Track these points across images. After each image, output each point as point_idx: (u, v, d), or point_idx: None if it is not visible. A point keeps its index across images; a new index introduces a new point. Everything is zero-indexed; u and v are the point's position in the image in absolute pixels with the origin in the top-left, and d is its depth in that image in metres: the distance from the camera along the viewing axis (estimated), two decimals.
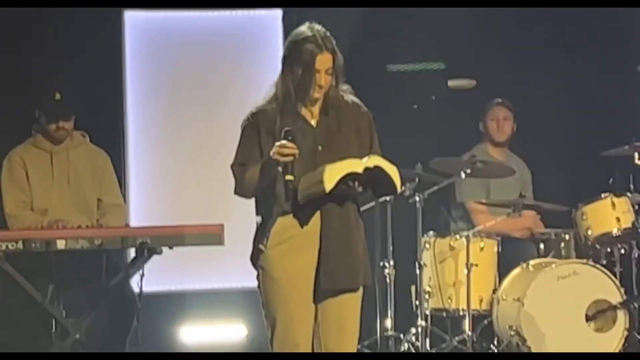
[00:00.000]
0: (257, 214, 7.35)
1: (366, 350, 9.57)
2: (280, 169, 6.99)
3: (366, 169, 6.99)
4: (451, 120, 11.78)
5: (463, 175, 11.16)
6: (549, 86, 12.43)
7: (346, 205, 7.23)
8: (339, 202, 7.19)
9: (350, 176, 6.98)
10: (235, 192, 7.37)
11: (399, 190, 7.40)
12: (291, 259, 7.16)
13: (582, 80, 12.60)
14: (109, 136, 10.92)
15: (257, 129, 7.25)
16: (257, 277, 7.31)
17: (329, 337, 7.26)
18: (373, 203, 7.91)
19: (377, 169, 7.03)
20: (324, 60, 7.15)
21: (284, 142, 6.97)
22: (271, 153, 7.00)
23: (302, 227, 7.17)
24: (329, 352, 7.30)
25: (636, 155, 11.25)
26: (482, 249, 11.03)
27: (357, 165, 6.99)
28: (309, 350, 7.26)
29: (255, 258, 7.29)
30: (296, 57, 7.19)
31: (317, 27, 7.26)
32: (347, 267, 7.19)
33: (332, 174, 6.95)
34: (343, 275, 7.18)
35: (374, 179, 7.07)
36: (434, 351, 10.96)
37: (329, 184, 6.92)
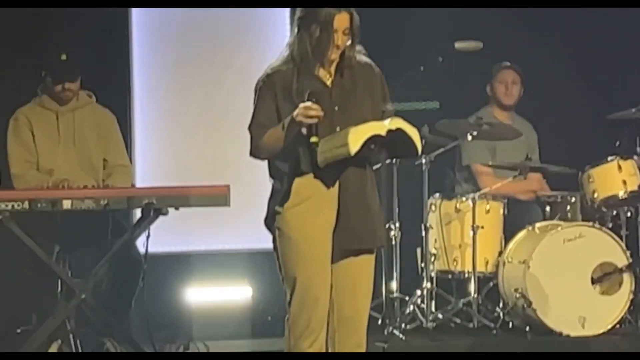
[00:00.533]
0: (271, 176, 7.37)
1: (373, 313, 9.22)
2: (304, 130, 6.98)
3: (389, 131, 7.00)
4: (458, 83, 11.81)
5: (469, 137, 11.13)
6: (557, 48, 12.43)
7: (363, 168, 7.25)
8: (356, 164, 7.20)
9: (374, 139, 6.98)
10: (251, 154, 7.35)
11: (419, 152, 7.41)
12: (309, 219, 7.18)
13: (590, 42, 12.59)
14: (116, 96, 10.93)
15: (273, 90, 7.24)
16: (273, 239, 7.31)
17: (343, 297, 7.29)
18: (380, 165, 7.94)
19: (400, 131, 7.03)
20: (342, 20, 7.14)
21: (308, 103, 6.97)
22: (295, 114, 7.00)
23: (320, 188, 7.18)
24: (342, 312, 7.32)
25: None
26: (488, 211, 11.02)
27: (380, 127, 6.99)
28: (325, 308, 7.26)
29: (271, 220, 7.30)
30: (314, 17, 7.16)
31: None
32: (364, 228, 7.22)
33: (356, 137, 6.95)
34: (361, 235, 7.21)
35: (396, 141, 7.07)
36: (439, 313, 10.96)
37: (354, 147, 6.92)
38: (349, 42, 7.16)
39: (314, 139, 6.92)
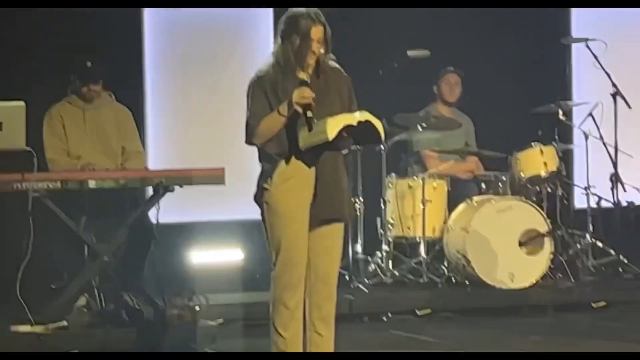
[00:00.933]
0: (260, 159, 7.35)
1: (342, 270, 9.25)
2: (299, 109, 7.01)
3: (359, 122, 7.08)
4: (409, 84, 11.62)
5: (419, 128, 11.28)
6: (490, 54, 12.30)
7: (335, 152, 7.29)
8: (329, 149, 7.20)
9: (347, 128, 7.07)
10: (246, 141, 7.34)
11: (383, 140, 7.52)
12: (292, 195, 7.22)
13: (517, 48, 12.47)
14: (131, 96, 10.73)
15: (263, 90, 7.23)
16: (262, 212, 7.35)
17: (319, 258, 7.32)
18: (347, 150, 8.00)
19: (368, 122, 7.10)
20: (317, 31, 7.14)
21: (303, 87, 7.07)
22: (293, 98, 7.05)
23: (301, 169, 7.20)
24: (317, 270, 7.35)
25: (560, 111, 11.36)
26: (434, 188, 11.15)
27: (352, 118, 7.06)
28: (303, 268, 7.28)
29: (260, 195, 7.34)
30: (294, 28, 7.16)
31: (310, 8, 7.32)
32: (337, 202, 7.29)
33: (333, 125, 7.02)
34: (334, 208, 7.28)
35: (364, 130, 7.12)
36: (395, 271, 11.03)
37: (331, 134, 6.99)
38: (322, 50, 7.17)
39: (309, 114, 6.95)
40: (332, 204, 7.29)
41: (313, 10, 7.24)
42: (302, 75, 7.23)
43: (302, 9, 7.26)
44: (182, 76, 12.16)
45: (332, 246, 7.39)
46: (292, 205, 7.27)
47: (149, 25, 12.08)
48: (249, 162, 7.62)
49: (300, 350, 7.35)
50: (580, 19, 12.74)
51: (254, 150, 7.34)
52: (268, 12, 11.55)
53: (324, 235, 7.33)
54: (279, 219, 7.29)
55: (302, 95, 7.03)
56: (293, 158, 7.23)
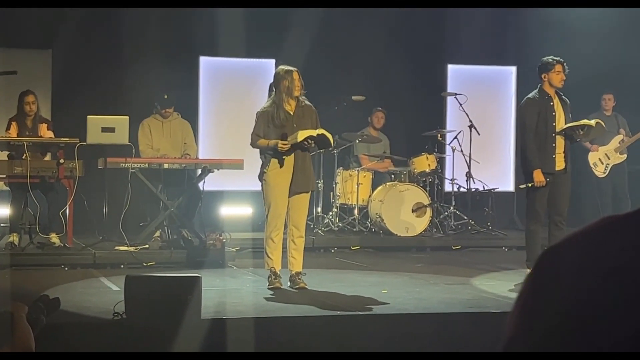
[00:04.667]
0: (261, 155, 7.48)
1: (308, 222, 9.22)
2: (279, 148, 7.17)
3: (318, 134, 7.25)
4: (353, 116, 11.42)
5: (357, 141, 11.27)
6: (400, 99, 11.96)
7: (305, 153, 7.38)
8: (302, 150, 7.31)
9: (310, 137, 7.21)
10: (251, 146, 7.46)
11: (332, 145, 7.78)
12: (278, 176, 7.32)
13: (417, 97, 12.07)
14: (191, 114, 10.66)
15: (264, 118, 7.32)
16: (262, 186, 7.42)
17: (294, 214, 7.36)
18: (315, 151, 8.02)
19: (323, 135, 7.28)
20: (296, 75, 7.22)
21: (282, 141, 7.16)
22: (278, 146, 7.15)
23: (284, 161, 7.30)
24: (294, 221, 7.37)
25: (439, 135, 11.35)
26: (364, 176, 11.04)
27: (314, 132, 7.20)
28: (284, 219, 7.32)
29: (261, 176, 7.42)
30: (284, 77, 7.26)
31: (290, 66, 7.36)
32: (306, 180, 7.36)
33: (301, 134, 7.14)
34: (304, 184, 7.34)
35: (321, 139, 7.31)
36: (340, 223, 10.88)
37: (300, 138, 7.12)
38: (300, 91, 7.27)
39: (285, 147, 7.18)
40: (302, 182, 7.34)
41: (292, 67, 7.27)
42: (289, 108, 7.31)
43: (287, 66, 7.28)
44: (220, 103, 11.93)
45: (302, 206, 7.44)
46: (278, 182, 7.33)
47: (203, 69, 11.87)
48: (256, 156, 7.61)
49: (280, 267, 7.41)
50: (452, 79, 12.60)
51: (257, 150, 7.49)
52: (272, 64, 11.28)
53: (297, 200, 7.38)
54: (270, 190, 7.35)
55: (282, 146, 7.13)
56: (279, 154, 7.29)
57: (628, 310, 0.83)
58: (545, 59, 7.76)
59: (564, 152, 7.71)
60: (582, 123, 7.75)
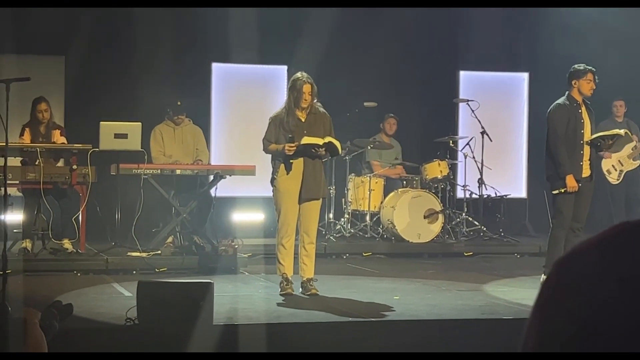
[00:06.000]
0: (272, 160, 7.49)
1: (320, 228, 9.10)
2: (287, 152, 7.19)
3: (325, 143, 7.26)
4: (365, 122, 11.43)
5: (369, 147, 11.26)
6: (414, 106, 11.93)
7: (316, 160, 7.38)
8: (311, 157, 7.31)
9: (316, 144, 7.22)
10: (264, 151, 7.50)
11: (340, 153, 7.74)
12: (289, 182, 7.34)
13: (429, 104, 12.09)
14: (203, 120, 10.64)
15: (276, 123, 7.39)
16: (273, 191, 7.45)
17: (306, 220, 7.38)
18: (327, 158, 8.01)
19: (330, 142, 7.28)
20: (307, 88, 7.23)
21: (289, 144, 7.17)
22: (286, 149, 7.17)
23: (294, 166, 7.33)
24: (305, 228, 7.38)
25: (450, 141, 11.34)
26: (376, 182, 11.00)
27: (320, 140, 7.25)
28: (295, 225, 7.35)
29: (272, 181, 7.44)
30: (294, 86, 7.31)
31: (304, 73, 7.36)
32: (316, 187, 7.36)
33: (305, 139, 7.18)
34: (313, 191, 7.35)
35: (329, 147, 7.28)
36: (352, 230, 10.82)
37: (303, 142, 7.15)
38: (312, 99, 7.30)
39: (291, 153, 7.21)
40: (313, 189, 7.35)
41: (305, 75, 7.30)
42: (300, 115, 7.35)
43: (299, 74, 7.32)
44: (232, 109, 11.92)
45: (313, 213, 7.44)
46: (289, 188, 7.34)
47: (215, 75, 11.87)
48: (268, 161, 7.64)
49: (292, 273, 7.42)
50: (464, 85, 12.58)
51: (269, 155, 7.49)
52: (284, 71, 11.40)
53: (308, 207, 7.40)
54: (280, 196, 7.38)
55: (289, 149, 7.14)
56: (289, 161, 7.31)
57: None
58: (577, 65, 7.71)
59: (589, 159, 7.72)
60: (612, 133, 7.81)
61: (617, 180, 11.16)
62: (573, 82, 7.66)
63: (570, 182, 7.56)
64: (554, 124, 7.68)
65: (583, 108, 7.73)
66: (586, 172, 7.71)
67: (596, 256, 0.89)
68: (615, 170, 11.16)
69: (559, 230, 7.69)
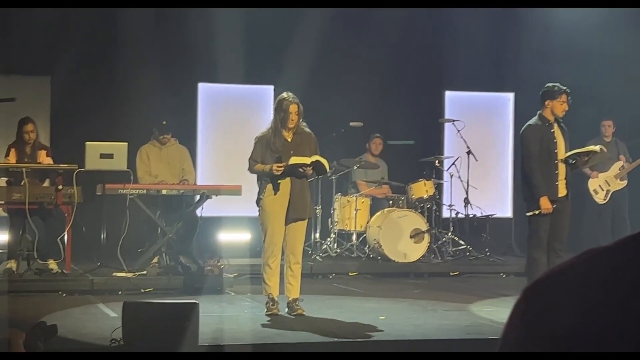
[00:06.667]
0: (258, 180, 7.47)
1: (306, 248, 9.03)
2: (275, 173, 7.19)
3: (312, 162, 7.25)
4: (350, 142, 11.46)
5: (355, 167, 11.25)
6: (397, 127, 12.00)
7: (303, 180, 7.37)
8: (298, 176, 7.30)
9: (303, 164, 7.22)
10: (249, 170, 7.47)
11: (327, 172, 7.71)
12: (275, 202, 7.33)
13: (414, 125, 12.16)
14: (189, 140, 10.65)
15: (262, 143, 7.39)
16: (259, 212, 7.46)
17: (292, 242, 7.38)
18: (314, 177, 7.97)
19: (318, 161, 7.28)
20: (293, 108, 7.23)
21: (277, 164, 7.17)
22: (273, 169, 7.16)
23: (281, 186, 7.33)
24: (291, 248, 7.37)
25: (436, 161, 11.33)
26: (362, 202, 11.00)
27: (307, 159, 7.25)
28: (281, 245, 7.34)
29: (258, 201, 7.43)
30: (280, 107, 7.32)
31: (290, 93, 7.36)
32: (303, 207, 7.35)
33: (293, 159, 7.17)
34: (301, 211, 7.33)
35: (316, 166, 7.31)
36: (338, 249, 10.82)
37: (291, 162, 7.15)
38: (298, 120, 7.29)
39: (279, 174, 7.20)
40: (299, 209, 7.34)
41: (291, 95, 7.30)
42: (286, 135, 7.35)
43: (285, 95, 7.31)
44: (218, 129, 11.89)
45: (299, 233, 7.43)
46: (275, 208, 7.33)
47: (201, 95, 11.80)
48: (254, 182, 7.61)
49: (277, 293, 7.40)
50: (450, 105, 12.57)
51: (254, 176, 7.50)
52: (271, 90, 11.37)
53: (294, 227, 7.39)
54: (267, 216, 7.36)
55: (276, 169, 7.11)
56: (276, 181, 7.30)
57: (607, 346, 0.84)
58: (551, 86, 7.67)
59: (565, 178, 7.67)
60: (586, 150, 7.76)
61: (604, 200, 11.20)
62: (546, 103, 7.61)
63: (545, 204, 7.51)
64: (527, 145, 7.66)
65: (556, 127, 7.69)
66: (562, 191, 7.65)
67: (564, 285, 0.90)
68: (602, 190, 11.19)
69: (536, 251, 7.63)
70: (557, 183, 7.60)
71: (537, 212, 7.57)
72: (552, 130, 7.66)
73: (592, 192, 11.19)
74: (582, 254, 0.91)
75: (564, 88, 7.63)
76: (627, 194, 11.28)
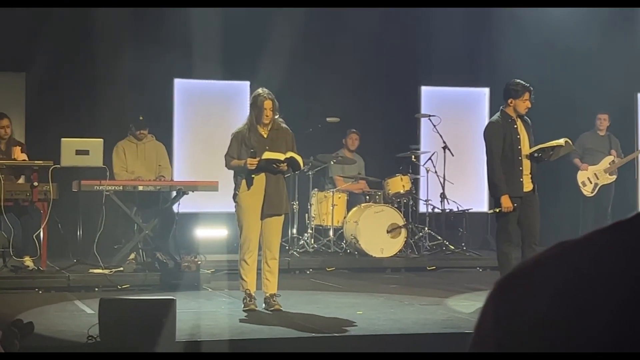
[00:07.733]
0: (234, 176, 7.48)
1: (283, 243, 9.23)
2: (249, 167, 7.20)
3: (286, 158, 7.27)
4: (327, 137, 11.42)
5: (332, 162, 11.28)
6: (372, 121, 12.02)
7: (278, 174, 7.37)
8: (273, 172, 7.31)
9: (278, 160, 7.23)
10: (226, 166, 7.51)
11: (302, 168, 7.74)
12: (250, 197, 7.34)
13: (391, 120, 12.16)
14: (165, 136, 10.72)
15: (238, 139, 7.40)
16: (235, 207, 7.47)
17: (268, 237, 7.41)
18: (290, 173, 7.98)
19: (292, 157, 7.29)
20: (268, 104, 7.24)
21: (251, 159, 7.18)
22: (247, 164, 7.17)
23: (256, 182, 7.33)
24: (267, 243, 7.36)
25: (413, 156, 11.36)
26: (339, 197, 11.03)
27: (281, 155, 7.26)
28: (257, 241, 7.35)
29: (234, 197, 7.45)
30: (255, 103, 7.33)
31: (265, 89, 7.37)
32: (278, 202, 7.35)
33: (266, 155, 7.18)
34: (276, 206, 7.34)
35: (291, 162, 7.33)
36: (315, 245, 10.86)
37: (264, 157, 7.16)
38: (273, 115, 7.29)
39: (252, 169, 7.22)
40: (275, 205, 7.35)
41: (266, 91, 7.31)
42: (262, 131, 7.37)
43: (261, 90, 7.32)
44: (194, 125, 11.87)
45: (275, 229, 7.43)
46: (250, 204, 7.34)
47: (177, 91, 11.78)
48: (230, 177, 7.63)
49: (255, 289, 7.41)
50: (426, 101, 12.60)
51: (231, 171, 7.50)
52: (247, 86, 11.33)
53: (270, 223, 7.39)
54: (242, 212, 7.37)
55: (250, 163, 7.14)
56: (250, 177, 7.32)
57: (581, 334, 0.86)
58: (514, 83, 7.65)
59: (530, 173, 7.66)
60: (551, 144, 7.73)
61: (592, 193, 11.22)
62: (509, 101, 7.60)
63: (505, 203, 7.52)
64: (488, 143, 7.65)
65: (519, 122, 7.67)
66: (528, 186, 7.64)
67: (533, 279, 0.91)
68: (590, 182, 11.22)
69: (506, 245, 7.66)
70: (521, 179, 7.60)
71: (497, 210, 7.62)
72: (515, 126, 7.65)
73: (580, 184, 11.21)
74: (553, 247, 0.93)
75: (527, 85, 7.62)
76: (614, 190, 11.32)
